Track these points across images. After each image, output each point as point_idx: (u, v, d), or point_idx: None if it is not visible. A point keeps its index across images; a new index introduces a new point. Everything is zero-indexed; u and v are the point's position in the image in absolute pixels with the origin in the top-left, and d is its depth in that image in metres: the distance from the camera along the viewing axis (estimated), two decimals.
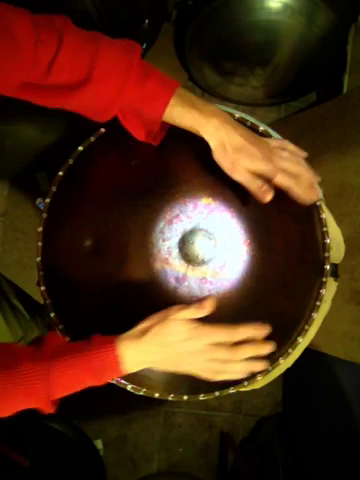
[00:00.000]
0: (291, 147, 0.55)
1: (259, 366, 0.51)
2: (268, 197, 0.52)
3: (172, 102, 0.49)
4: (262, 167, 0.51)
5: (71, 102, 0.50)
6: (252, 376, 0.58)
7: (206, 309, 0.50)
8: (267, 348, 0.51)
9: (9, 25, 0.44)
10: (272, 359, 0.59)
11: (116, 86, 0.48)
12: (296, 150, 0.55)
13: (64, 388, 0.47)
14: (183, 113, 0.49)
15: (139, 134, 0.53)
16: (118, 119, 0.52)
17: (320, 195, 0.57)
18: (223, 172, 0.52)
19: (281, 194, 0.53)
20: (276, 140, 0.56)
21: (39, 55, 0.46)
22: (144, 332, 0.48)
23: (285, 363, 0.61)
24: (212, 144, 0.50)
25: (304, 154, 0.55)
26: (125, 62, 0.48)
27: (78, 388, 0.48)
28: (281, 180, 0.52)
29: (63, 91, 0.49)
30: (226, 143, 0.50)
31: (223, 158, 0.51)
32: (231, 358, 0.49)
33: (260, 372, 0.56)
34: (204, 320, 0.50)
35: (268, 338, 0.53)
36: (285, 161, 0.52)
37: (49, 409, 0.48)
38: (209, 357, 0.49)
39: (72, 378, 0.46)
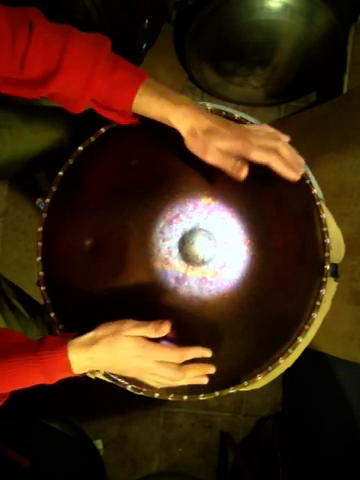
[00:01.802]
0: (270, 129, 0.53)
1: (201, 381, 0.53)
2: (243, 174, 0.51)
3: (140, 91, 0.50)
4: (234, 144, 0.50)
5: (43, 93, 0.51)
6: (252, 376, 0.58)
7: (161, 333, 0.51)
8: (209, 370, 0.53)
9: None
10: (272, 359, 0.59)
11: (84, 76, 0.49)
12: (275, 131, 0.53)
13: (11, 385, 0.49)
14: (151, 102, 0.50)
15: (118, 120, 0.54)
16: (93, 109, 0.53)
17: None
18: (222, 172, 0.52)
19: (281, 194, 0.53)
20: (254, 125, 0.55)
21: (15, 47, 0.47)
22: (95, 341, 0.49)
23: (285, 363, 0.61)
24: (182, 131, 0.50)
25: (286, 137, 0.53)
26: (93, 53, 0.49)
27: (27, 385, 0.50)
28: (258, 155, 0.50)
29: (37, 84, 0.50)
30: (196, 128, 0.50)
31: (194, 143, 0.51)
32: (174, 377, 0.51)
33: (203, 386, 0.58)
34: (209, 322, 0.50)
35: (268, 338, 0.54)
36: (261, 138, 0.51)
37: None
38: (154, 372, 0.51)
39: (20, 376, 0.48)
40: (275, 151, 0.50)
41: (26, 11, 0.49)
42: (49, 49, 0.49)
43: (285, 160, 0.51)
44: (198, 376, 0.53)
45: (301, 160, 0.53)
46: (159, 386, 0.54)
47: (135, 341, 0.49)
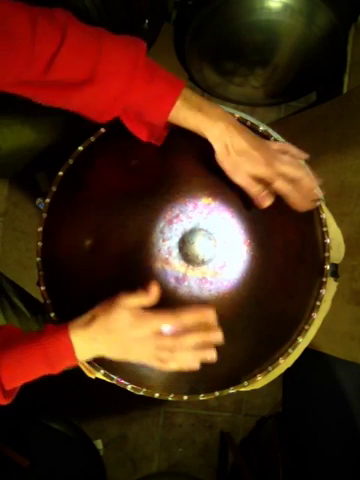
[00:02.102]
0: (293, 150, 0.55)
1: (209, 354, 0.50)
2: (267, 203, 0.53)
3: (178, 104, 0.48)
4: (263, 172, 0.51)
5: (72, 101, 0.49)
6: (252, 376, 0.58)
7: (152, 295, 0.50)
8: (215, 334, 0.51)
9: (4, 20, 0.43)
10: (272, 359, 0.59)
11: (121, 86, 0.47)
12: (297, 152, 0.55)
13: (16, 378, 0.48)
14: (189, 115, 0.49)
15: (142, 134, 0.53)
16: (120, 119, 0.51)
17: (321, 196, 0.58)
18: (224, 173, 0.53)
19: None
20: (278, 143, 0.56)
21: (37, 51, 0.45)
22: (92, 319, 0.49)
23: (285, 363, 0.61)
24: (216, 146, 0.50)
25: (305, 156, 0.56)
26: (131, 60, 0.47)
27: (32, 377, 0.49)
28: (280, 186, 0.53)
29: (65, 89, 0.47)
30: (230, 146, 0.50)
31: (226, 160, 0.51)
32: (176, 345, 0.49)
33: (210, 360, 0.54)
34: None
35: (268, 338, 0.54)
36: (285, 165, 0.53)
37: (3, 400, 0.49)
38: (155, 344, 0.49)
39: (25, 367, 0.47)
40: (296, 185, 0.53)
41: (54, 12, 0.46)
42: (82, 52, 0.46)
43: (301, 192, 0.54)
44: (203, 347, 0.50)
45: (317, 191, 0.55)
46: (165, 366, 0.50)
47: (130, 310, 0.49)
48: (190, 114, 0.49)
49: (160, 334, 0.49)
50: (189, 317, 0.50)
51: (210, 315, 0.51)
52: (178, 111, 0.49)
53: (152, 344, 0.49)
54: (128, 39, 0.49)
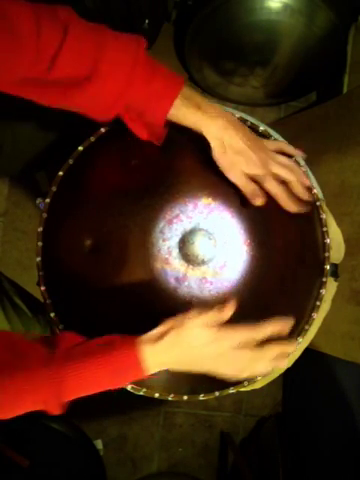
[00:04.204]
0: (289, 149, 0.56)
1: (282, 363, 0.51)
2: (259, 201, 0.55)
3: (177, 102, 0.49)
4: (256, 172, 0.53)
5: (75, 100, 0.49)
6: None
7: (226, 314, 0.49)
8: (292, 346, 0.51)
9: (10, 17, 0.43)
10: None
11: (122, 82, 0.47)
12: (293, 152, 0.56)
13: (78, 391, 0.46)
14: (188, 113, 0.50)
15: (142, 133, 0.53)
16: (120, 118, 0.51)
17: (320, 196, 0.58)
18: (223, 173, 0.53)
19: None
20: (274, 142, 0.57)
21: (41, 48, 0.45)
22: (162, 336, 0.47)
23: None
24: (213, 144, 0.51)
25: (301, 154, 0.57)
26: (131, 57, 0.47)
27: (95, 391, 0.47)
28: (270, 186, 0.54)
29: (67, 87, 0.47)
30: (227, 145, 0.51)
31: (222, 158, 0.52)
32: (255, 358, 0.49)
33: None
34: None
35: (269, 339, 0.53)
36: (279, 167, 0.54)
37: (57, 411, 0.47)
38: (233, 358, 0.48)
39: (89, 381, 0.45)
40: (288, 186, 0.55)
41: (57, 10, 0.46)
42: (83, 50, 0.46)
43: (294, 198, 0.55)
44: (278, 357, 0.50)
45: (308, 193, 0.57)
46: (240, 376, 0.50)
47: (205, 327, 0.47)
48: (189, 112, 0.49)
49: (239, 348, 0.48)
50: (268, 330, 0.50)
51: (288, 326, 0.51)
52: (177, 109, 0.49)
53: (230, 358, 0.48)
54: (129, 36, 0.49)
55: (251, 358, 0.49)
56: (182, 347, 0.47)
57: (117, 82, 0.47)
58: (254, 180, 0.54)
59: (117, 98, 0.48)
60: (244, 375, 0.50)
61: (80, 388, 0.46)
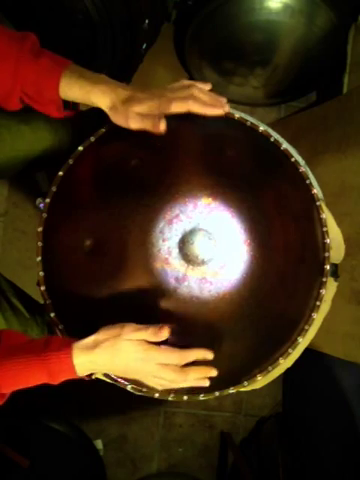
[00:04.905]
0: (185, 82, 0.56)
1: (204, 383, 0.54)
2: (161, 128, 0.52)
3: (63, 76, 0.51)
4: (151, 104, 0.52)
5: None
6: (252, 376, 0.58)
7: (161, 338, 0.51)
8: (211, 373, 0.54)
9: None
10: (272, 359, 0.59)
11: (11, 67, 0.51)
12: (191, 82, 0.56)
13: (15, 385, 0.50)
14: (72, 85, 0.52)
15: (51, 111, 0.55)
16: (28, 104, 0.55)
17: (320, 196, 0.58)
18: (223, 172, 0.53)
19: (281, 194, 0.54)
20: (173, 84, 0.57)
21: None
22: (96, 345, 0.50)
23: (285, 363, 0.61)
24: (104, 107, 0.52)
25: (207, 86, 0.56)
26: (17, 44, 0.51)
27: (31, 385, 0.50)
28: (175, 107, 0.53)
29: None
30: (116, 101, 0.52)
31: (116, 115, 0.53)
32: (176, 379, 0.52)
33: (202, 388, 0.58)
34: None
35: (268, 338, 0.54)
36: (176, 91, 0.54)
37: None
38: (156, 375, 0.52)
39: (25, 377, 0.49)
40: (191, 97, 0.53)
41: None
42: None
43: (203, 102, 0.54)
44: (200, 378, 0.53)
45: (222, 98, 0.56)
46: (161, 388, 0.55)
47: (137, 345, 0.50)
48: (72, 82, 0.52)
49: (162, 367, 0.51)
50: (193, 356, 0.53)
51: (210, 355, 0.54)
52: (64, 82, 0.52)
53: (154, 374, 0.52)
54: (18, 32, 0.53)
55: (173, 378, 0.52)
56: (111, 358, 0.50)
57: (6, 67, 0.51)
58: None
59: (12, 83, 0.52)
60: (164, 388, 0.55)
61: (16, 382, 0.50)
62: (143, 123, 0.52)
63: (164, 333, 0.51)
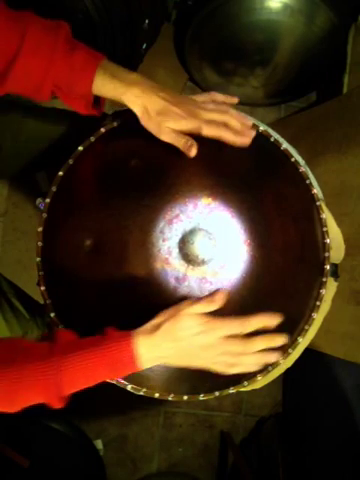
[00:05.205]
0: (219, 97, 0.56)
1: (272, 357, 0.51)
2: (193, 152, 0.53)
3: (96, 72, 0.51)
4: (185, 124, 0.52)
5: (7, 82, 0.51)
6: (253, 375, 0.58)
7: (217, 303, 0.50)
8: (280, 340, 0.51)
9: None
10: None
11: (45, 59, 0.50)
12: (224, 98, 0.56)
13: (77, 384, 0.47)
14: (106, 82, 0.51)
15: (79, 107, 0.55)
16: (57, 97, 0.54)
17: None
18: (223, 172, 0.53)
19: (281, 195, 0.54)
20: (202, 94, 0.57)
21: None
22: (157, 327, 0.48)
23: (285, 363, 0.61)
24: (136, 111, 0.52)
25: (235, 100, 0.57)
26: (52, 36, 0.50)
27: (92, 383, 0.48)
28: (208, 132, 0.53)
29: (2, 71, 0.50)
30: (149, 108, 0.51)
31: (149, 123, 0.52)
32: (244, 351, 0.50)
33: (272, 364, 0.56)
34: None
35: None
36: (210, 113, 0.54)
37: (58, 404, 0.48)
38: (222, 350, 0.49)
39: (86, 373, 0.46)
40: (224, 124, 0.53)
41: None
42: (8, 36, 0.49)
43: (236, 130, 0.54)
44: (267, 352, 0.51)
45: (249, 122, 0.56)
46: (229, 371, 0.51)
47: (196, 318, 0.49)
48: (106, 83, 0.51)
49: (227, 340, 0.49)
50: (257, 323, 0.50)
51: (276, 320, 0.51)
52: (97, 78, 0.51)
53: (218, 350, 0.49)
54: (52, 20, 0.52)
55: (238, 351, 0.50)
56: (174, 337, 0.48)
57: (40, 59, 0.50)
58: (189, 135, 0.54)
59: (44, 75, 0.51)
60: (233, 370, 0.51)
61: (78, 380, 0.47)
62: (175, 140, 0.53)
63: (219, 297, 0.50)
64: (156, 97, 0.51)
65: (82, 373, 0.46)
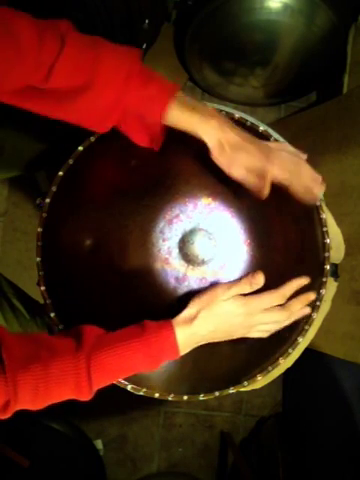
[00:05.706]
0: (290, 148, 0.56)
1: (305, 312, 0.55)
2: (265, 193, 0.53)
3: (171, 106, 0.49)
4: (258, 162, 0.51)
5: (71, 109, 0.50)
6: (252, 376, 0.58)
7: (258, 285, 0.52)
8: (312, 296, 0.55)
9: (11, 26, 0.44)
10: (272, 359, 0.59)
11: (117, 92, 0.48)
12: (295, 151, 0.56)
13: (110, 376, 0.48)
14: (182, 115, 0.50)
15: (141, 139, 0.53)
16: (118, 128, 0.52)
17: (321, 194, 0.57)
18: (223, 172, 0.53)
19: (281, 194, 0.53)
20: (276, 143, 0.57)
21: (42, 58, 0.46)
22: (195, 316, 0.50)
23: (285, 363, 0.61)
24: (210, 143, 0.51)
25: (304, 156, 0.56)
26: (126, 67, 0.48)
27: (126, 375, 0.49)
28: (279, 176, 0.52)
29: (63, 96, 0.48)
30: (224, 142, 0.51)
31: (221, 156, 0.52)
32: (283, 318, 0.53)
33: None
34: None
35: (268, 338, 0.54)
36: (283, 159, 0.53)
37: (87, 398, 0.48)
38: (262, 322, 0.53)
39: (122, 365, 0.47)
40: (296, 174, 0.53)
41: (57, 22, 0.48)
42: (80, 62, 0.47)
43: (303, 183, 0.54)
44: (302, 308, 0.54)
45: (320, 178, 0.56)
46: (268, 334, 0.55)
47: (235, 301, 0.51)
48: (183, 114, 0.50)
49: (267, 312, 0.52)
50: (291, 289, 0.53)
51: (305, 280, 0.55)
52: (172, 112, 0.49)
53: (260, 321, 0.52)
54: (125, 47, 0.50)
55: (280, 318, 0.53)
56: (215, 323, 0.50)
57: (112, 91, 0.48)
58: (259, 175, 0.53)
59: (113, 107, 0.49)
60: (270, 333, 0.55)
61: (112, 372, 0.48)
62: (247, 178, 0.52)
63: (258, 279, 0.52)
64: (232, 132, 0.51)
65: (118, 365, 0.47)
